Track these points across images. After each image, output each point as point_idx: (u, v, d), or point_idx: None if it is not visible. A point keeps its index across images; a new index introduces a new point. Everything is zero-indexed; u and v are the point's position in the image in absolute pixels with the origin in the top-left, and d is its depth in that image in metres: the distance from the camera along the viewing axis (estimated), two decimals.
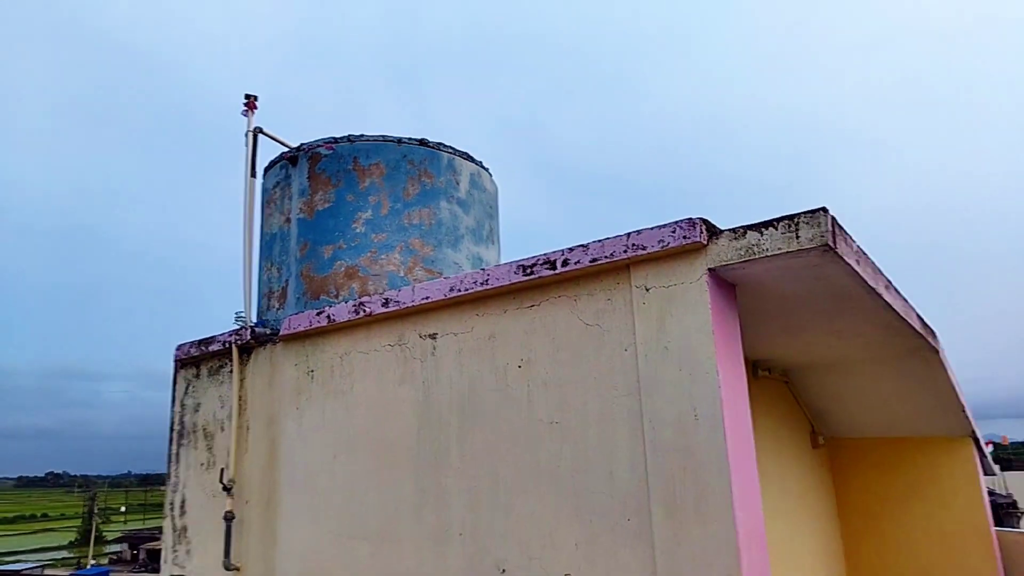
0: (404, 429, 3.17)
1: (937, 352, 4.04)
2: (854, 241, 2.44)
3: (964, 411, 4.68)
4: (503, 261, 4.67)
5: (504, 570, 2.72)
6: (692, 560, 2.27)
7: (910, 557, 5.16)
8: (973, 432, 4.89)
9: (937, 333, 4.01)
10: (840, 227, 2.29)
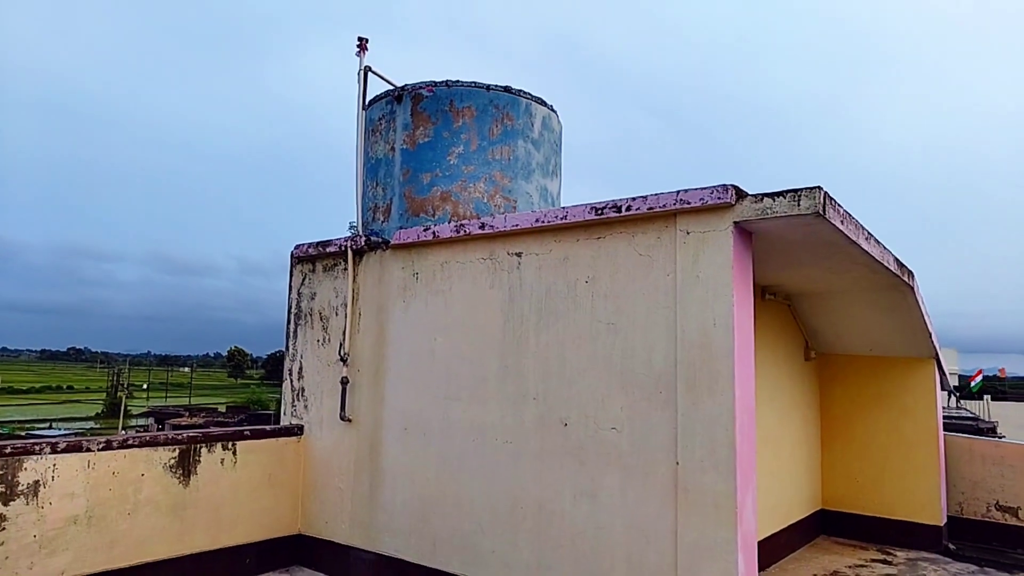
0: (492, 321, 4.24)
1: (912, 288, 5.03)
2: (841, 207, 3.38)
3: (931, 337, 5.71)
4: (561, 190, 5.62)
5: (567, 424, 3.84)
6: (703, 421, 3.36)
7: (874, 452, 6.31)
8: (936, 354, 5.93)
9: (913, 272, 4.98)
10: (830, 198, 3.23)
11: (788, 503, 5.74)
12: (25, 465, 3.81)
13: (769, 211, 3.24)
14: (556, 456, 3.85)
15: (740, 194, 3.36)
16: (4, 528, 3.67)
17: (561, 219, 3.93)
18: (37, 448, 3.91)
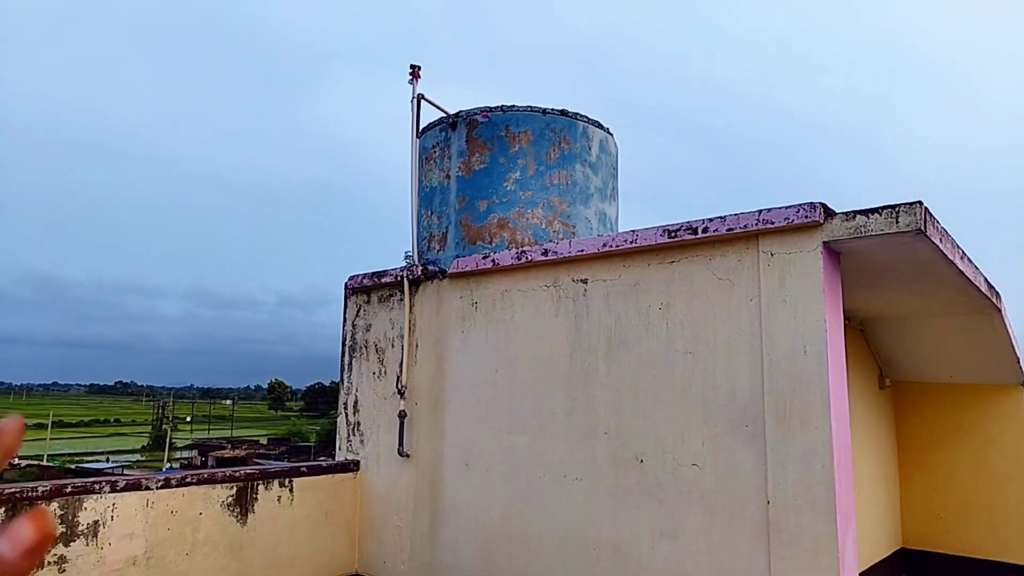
0: (558, 351, 4.05)
1: (999, 310, 4.71)
2: (940, 224, 3.14)
3: (1019, 362, 5.34)
4: (619, 214, 5.45)
5: (642, 460, 3.62)
6: (796, 456, 3.11)
7: (957, 486, 5.91)
8: None
9: (1000, 293, 4.66)
10: (930, 214, 3.00)
11: (870, 542, 5.37)
12: (85, 504, 3.72)
13: (863, 229, 3.03)
14: (632, 494, 3.62)
15: (828, 212, 3.15)
16: (65, 570, 3.57)
17: (630, 243, 3.76)
18: (97, 487, 3.82)
